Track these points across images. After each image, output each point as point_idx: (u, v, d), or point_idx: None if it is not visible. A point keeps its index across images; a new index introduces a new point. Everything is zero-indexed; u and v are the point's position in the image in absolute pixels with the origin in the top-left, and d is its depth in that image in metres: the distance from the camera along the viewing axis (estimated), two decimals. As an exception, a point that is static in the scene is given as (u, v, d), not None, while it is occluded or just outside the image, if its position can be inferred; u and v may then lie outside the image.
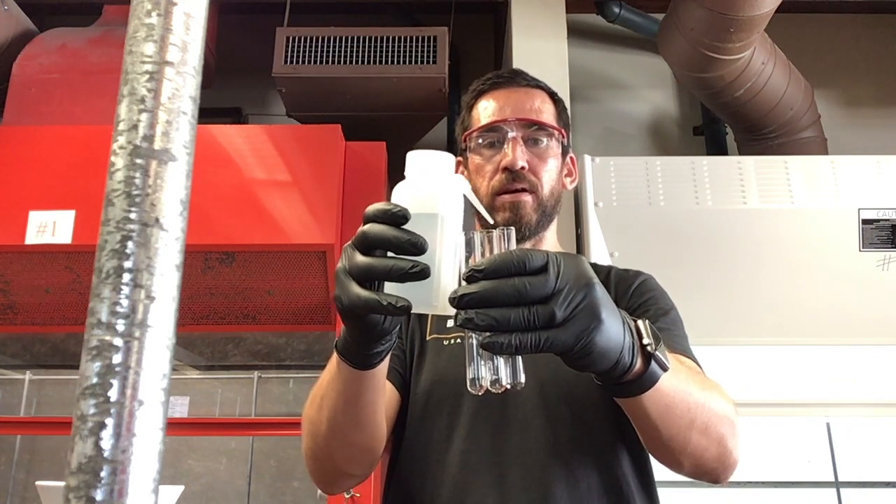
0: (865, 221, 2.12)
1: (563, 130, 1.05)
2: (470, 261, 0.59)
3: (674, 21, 2.30)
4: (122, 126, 0.39)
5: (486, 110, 1.04)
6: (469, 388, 0.57)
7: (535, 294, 0.52)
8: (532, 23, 2.50)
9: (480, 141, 1.03)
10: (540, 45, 2.47)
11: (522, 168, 0.99)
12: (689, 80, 2.47)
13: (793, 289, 2.08)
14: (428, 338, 0.98)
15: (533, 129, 1.02)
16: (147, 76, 0.39)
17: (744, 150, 2.69)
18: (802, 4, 2.97)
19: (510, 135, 1.00)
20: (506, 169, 0.99)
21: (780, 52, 2.48)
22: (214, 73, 2.61)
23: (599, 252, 2.10)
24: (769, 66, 2.39)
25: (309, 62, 2.25)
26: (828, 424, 2.09)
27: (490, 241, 0.58)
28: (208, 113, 2.65)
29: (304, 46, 2.26)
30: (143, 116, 0.39)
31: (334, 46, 2.27)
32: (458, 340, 0.95)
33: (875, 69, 3.03)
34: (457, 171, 1.13)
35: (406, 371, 0.97)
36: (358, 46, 2.26)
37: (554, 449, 0.86)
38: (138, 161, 0.38)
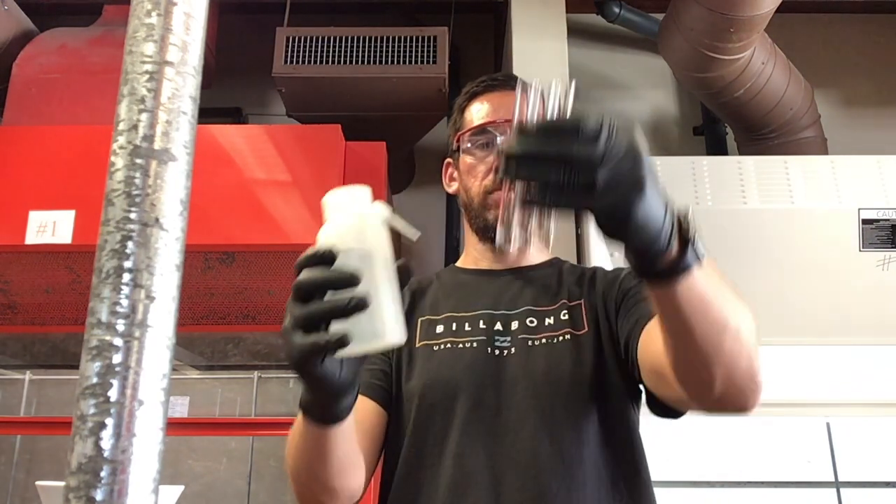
0: (865, 221, 2.12)
1: None
2: (526, 115, 0.58)
3: (674, 21, 2.30)
4: (122, 126, 0.39)
5: (479, 112, 1.05)
6: (497, 240, 0.58)
7: (581, 156, 0.52)
8: (532, 23, 2.50)
9: (473, 141, 1.04)
10: (540, 45, 2.47)
11: None
12: (689, 80, 2.47)
13: (793, 289, 2.08)
14: (417, 345, 0.98)
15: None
16: (147, 76, 0.39)
17: (744, 150, 2.69)
18: (802, 4, 2.97)
19: (504, 135, 1.00)
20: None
21: (780, 52, 2.47)
22: (214, 73, 2.61)
23: (599, 252, 2.10)
24: (769, 66, 2.39)
25: (309, 62, 2.25)
26: (828, 424, 2.09)
27: (548, 97, 0.58)
28: (208, 113, 2.64)
29: (304, 46, 2.26)
30: (143, 116, 0.39)
31: (334, 46, 2.26)
32: (448, 346, 0.95)
33: (875, 69, 3.03)
34: (446, 173, 1.13)
35: (391, 386, 0.96)
36: (358, 46, 2.26)
37: (548, 449, 0.86)
38: (138, 161, 0.38)
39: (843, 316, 2.07)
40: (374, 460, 0.94)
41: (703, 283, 0.63)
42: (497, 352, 0.94)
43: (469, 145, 1.04)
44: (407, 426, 0.92)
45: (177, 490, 2.07)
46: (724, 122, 2.77)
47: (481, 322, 0.97)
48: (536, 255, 1.08)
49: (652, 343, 0.82)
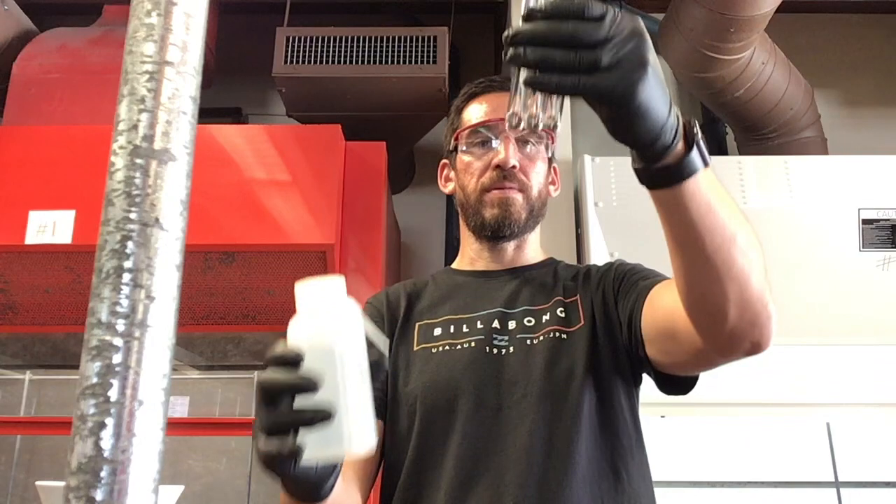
0: (865, 221, 2.12)
1: (553, 136, 1.06)
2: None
3: (674, 21, 2.30)
4: (122, 126, 0.39)
5: (477, 112, 1.05)
6: (507, 121, 0.59)
7: (586, 39, 0.53)
8: (532, 23, 2.49)
9: (471, 141, 1.04)
10: (540, 45, 2.46)
11: (514, 167, 1.00)
12: (689, 80, 2.47)
13: (793, 289, 2.08)
14: (416, 348, 0.98)
15: (525, 132, 1.02)
16: (147, 76, 0.39)
17: (744, 150, 2.69)
18: (802, 4, 2.97)
19: (503, 134, 1.01)
20: (497, 167, 1.00)
21: (780, 52, 2.47)
22: (214, 73, 2.61)
23: (599, 252, 2.10)
24: (769, 66, 2.39)
25: (309, 62, 2.25)
26: (828, 424, 2.09)
27: None
28: (208, 113, 2.64)
29: (304, 46, 2.26)
30: (143, 116, 0.39)
31: (334, 46, 2.26)
32: (446, 347, 0.95)
33: (875, 69, 3.03)
34: (442, 174, 1.14)
35: (385, 395, 0.96)
36: (358, 46, 2.26)
37: (548, 446, 0.87)
38: (138, 161, 0.38)
39: (843, 316, 2.07)
40: (373, 474, 0.95)
41: (709, 189, 0.64)
42: (495, 350, 0.94)
43: (468, 143, 1.05)
44: (406, 429, 0.93)
45: (177, 490, 2.07)
46: (724, 122, 2.77)
47: (479, 322, 0.97)
48: (533, 255, 1.08)
49: (656, 305, 0.84)
